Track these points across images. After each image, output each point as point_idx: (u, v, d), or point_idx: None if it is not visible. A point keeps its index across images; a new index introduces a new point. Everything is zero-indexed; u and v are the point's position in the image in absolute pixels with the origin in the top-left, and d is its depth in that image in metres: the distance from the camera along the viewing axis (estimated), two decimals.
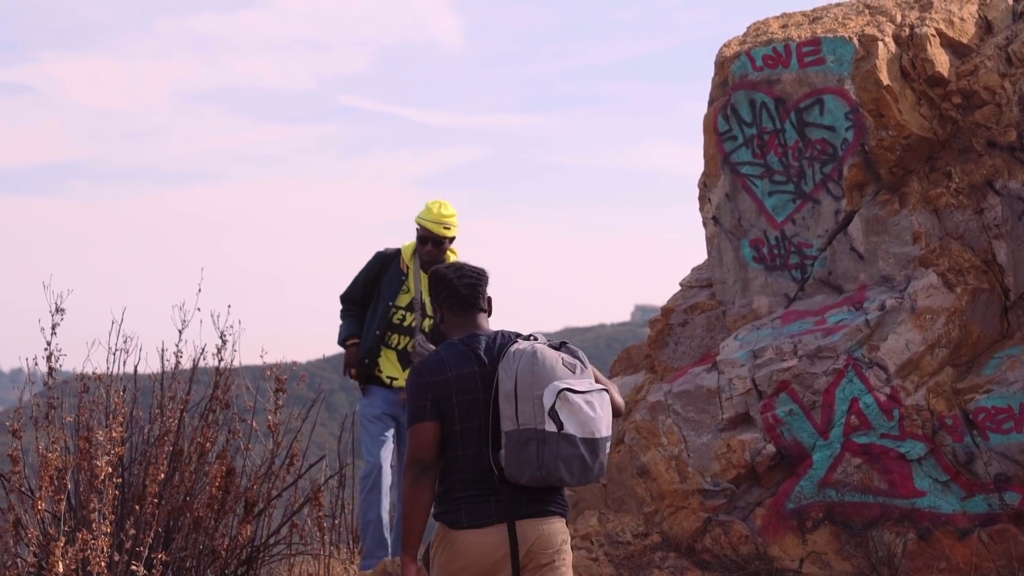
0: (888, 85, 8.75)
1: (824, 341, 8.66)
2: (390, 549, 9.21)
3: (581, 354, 5.59)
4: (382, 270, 9.18)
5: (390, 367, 9.05)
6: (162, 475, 8.56)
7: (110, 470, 8.19)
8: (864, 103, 8.88)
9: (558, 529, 5.42)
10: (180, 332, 9.20)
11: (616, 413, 5.69)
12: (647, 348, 10.16)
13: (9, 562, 8.71)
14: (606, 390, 5.54)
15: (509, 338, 5.50)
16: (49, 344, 8.67)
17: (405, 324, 9.21)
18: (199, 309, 9.26)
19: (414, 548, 5.49)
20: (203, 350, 9.15)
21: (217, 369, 9.04)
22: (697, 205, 9.78)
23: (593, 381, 5.51)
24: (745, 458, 8.72)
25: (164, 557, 8.59)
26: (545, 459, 5.09)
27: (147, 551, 8.40)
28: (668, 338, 9.89)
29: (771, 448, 8.64)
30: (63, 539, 7.93)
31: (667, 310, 9.95)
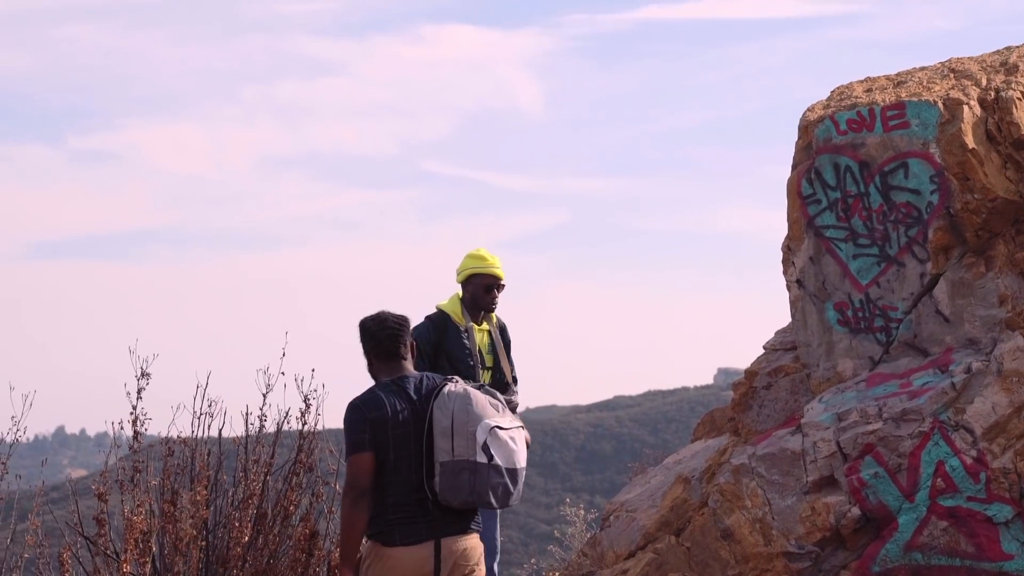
0: (973, 148, 8.72)
1: (910, 404, 8.55)
2: None
3: (499, 395, 6.53)
4: (441, 336, 9.16)
5: None
6: (246, 538, 8.62)
7: (194, 533, 8.31)
8: (949, 166, 8.82)
9: (476, 544, 6.38)
10: (264, 396, 9.21)
11: (527, 444, 6.68)
12: (730, 411, 10.12)
13: None
14: (523, 427, 6.51)
15: (434, 380, 6.39)
16: (135, 408, 8.73)
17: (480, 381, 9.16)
18: (283, 373, 9.32)
19: (352, 560, 6.26)
20: (287, 413, 9.20)
21: (301, 432, 9.06)
22: (781, 268, 9.78)
23: (514, 418, 6.48)
24: (830, 521, 8.57)
25: None
26: (476, 486, 6.01)
27: None
28: (752, 401, 9.87)
29: (856, 511, 8.51)
30: None
31: (751, 373, 9.99)
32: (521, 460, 6.38)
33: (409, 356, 6.50)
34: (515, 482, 6.30)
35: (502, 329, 9.52)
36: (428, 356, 8.86)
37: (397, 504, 6.02)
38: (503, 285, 9.29)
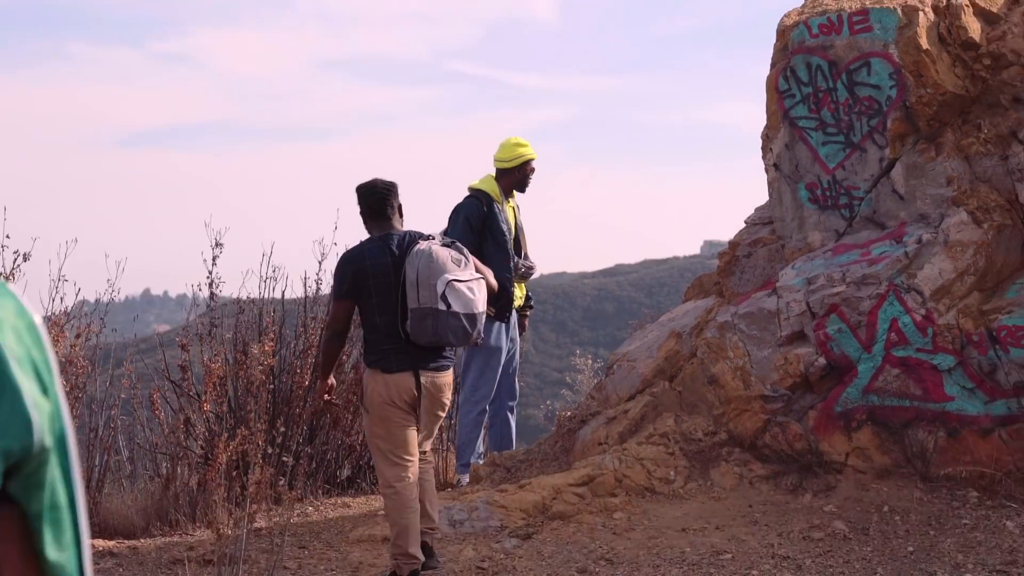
0: (927, 49, 9.03)
1: (869, 270, 9.00)
2: (476, 457, 10.00)
3: (465, 251, 7.35)
4: (488, 212, 9.73)
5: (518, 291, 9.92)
6: (306, 382, 9.30)
7: (263, 378, 8.90)
8: (906, 65, 9.15)
9: (447, 378, 7.32)
10: (320, 263, 9.85)
11: (491, 292, 7.57)
12: (716, 276, 10.62)
13: (180, 453, 9.30)
14: (483, 278, 7.36)
15: (414, 238, 7.18)
16: (210, 273, 9.28)
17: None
18: (335, 243, 10.12)
19: (328, 372, 7.41)
20: None
21: None
22: (760, 155, 10.24)
23: (474, 271, 7.31)
24: (800, 369, 9.13)
25: (309, 450, 9.27)
26: (438, 329, 6.90)
27: (295, 445, 9.22)
28: (734, 268, 10.28)
29: (822, 360, 9.06)
30: (225, 435, 8.64)
31: (733, 244, 10.38)
32: (479, 306, 7.26)
33: (397, 216, 7.32)
34: (473, 325, 7.18)
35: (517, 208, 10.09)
36: (476, 229, 9.56)
37: (387, 340, 6.94)
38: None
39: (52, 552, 1.99)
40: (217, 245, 9.52)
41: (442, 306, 7.07)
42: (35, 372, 1.95)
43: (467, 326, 7.21)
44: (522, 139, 9.93)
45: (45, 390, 1.96)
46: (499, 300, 9.26)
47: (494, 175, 9.85)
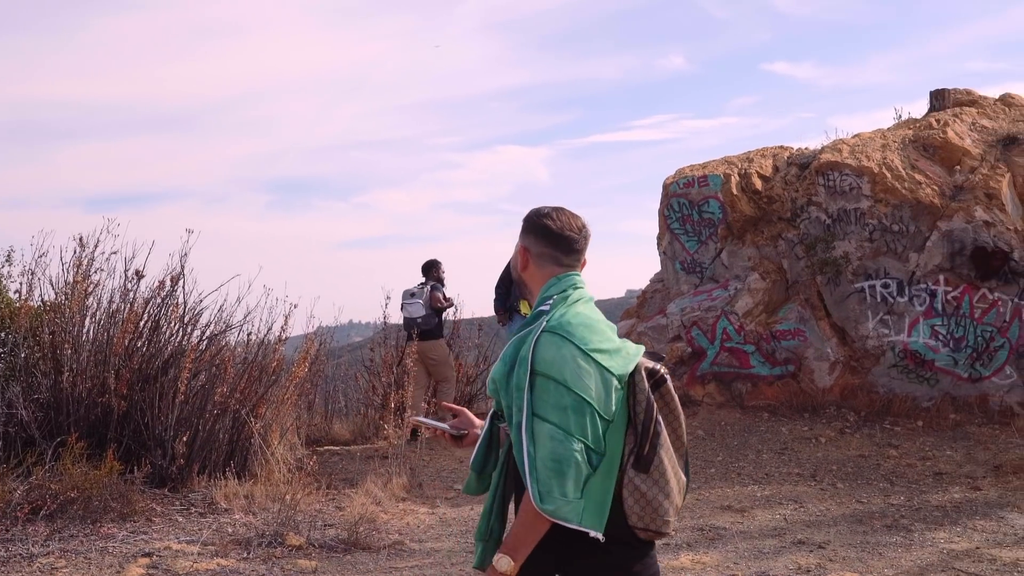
0: (736, 194, 12.36)
1: (712, 303, 12.20)
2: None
3: (424, 290, 10.18)
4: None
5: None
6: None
7: (411, 364, 11.63)
8: (726, 202, 12.43)
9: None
10: None
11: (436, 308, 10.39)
12: (636, 308, 13.62)
13: (370, 402, 12.09)
14: (418, 301, 10.33)
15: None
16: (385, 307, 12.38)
17: None
18: None
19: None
20: None
21: None
22: (656, 246, 13.24)
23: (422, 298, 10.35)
24: (678, 354, 12.28)
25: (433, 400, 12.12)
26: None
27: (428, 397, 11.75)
28: (646, 303, 13.49)
29: (689, 350, 12.27)
30: (392, 392, 11.29)
31: (644, 291, 13.53)
32: (413, 313, 10.16)
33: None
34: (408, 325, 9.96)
35: None
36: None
37: None
38: None
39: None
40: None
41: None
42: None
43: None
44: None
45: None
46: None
47: None
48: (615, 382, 2.92)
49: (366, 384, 12.74)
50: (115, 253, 9.17)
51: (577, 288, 3.09)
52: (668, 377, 3.10)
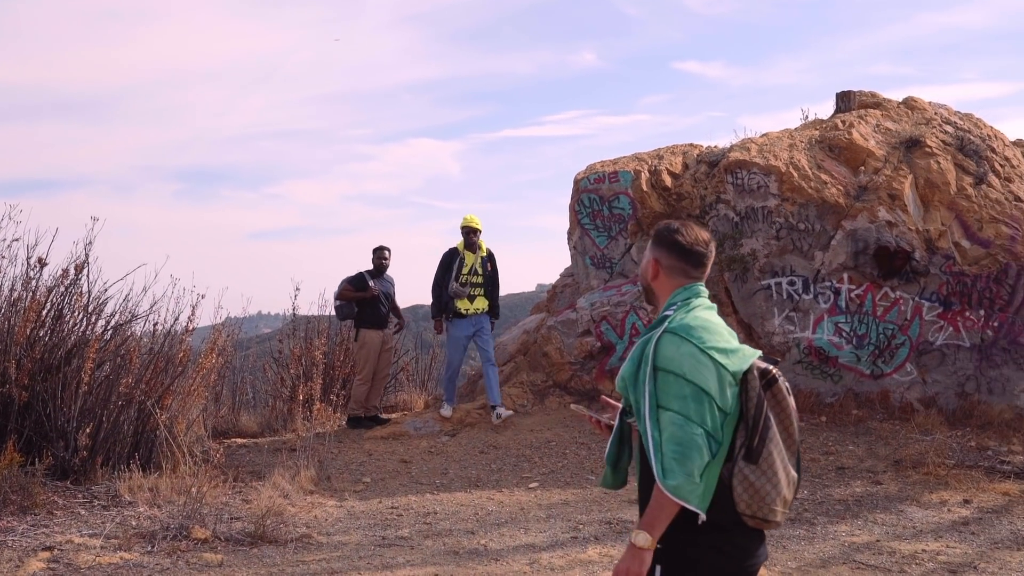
0: (646, 191, 12.47)
1: (621, 298, 12.18)
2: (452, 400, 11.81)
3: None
4: (451, 260, 11.30)
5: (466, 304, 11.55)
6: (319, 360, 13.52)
7: (320, 357, 12.27)
8: (636, 198, 12.54)
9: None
10: None
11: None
12: (546, 302, 13.64)
13: (279, 394, 12.22)
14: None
15: None
16: (294, 298, 11.89)
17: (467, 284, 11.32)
18: None
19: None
20: None
21: None
22: (567, 240, 13.32)
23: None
24: (587, 349, 12.22)
25: (343, 393, 12.57)
26: None
27: (336, 390, 12.10)
28: (555, 297, 13.51)
29: (599, 343, 12.16)
30: (300, 384, 11.63)
31: (555, 285, 13.59)
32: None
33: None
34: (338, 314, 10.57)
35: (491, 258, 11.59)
36: (443, 275, 11.32)
37: None
38: (479, 231, 11.23)
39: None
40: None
41: None
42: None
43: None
44: (472, 216, 11.30)
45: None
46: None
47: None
48: (729, 378, 3.19)
49: (275, 376, 12.84)
50: (17, 240, 9.05)
51: (699, 296, 3.39)
52: (780, 378, 3.30)
